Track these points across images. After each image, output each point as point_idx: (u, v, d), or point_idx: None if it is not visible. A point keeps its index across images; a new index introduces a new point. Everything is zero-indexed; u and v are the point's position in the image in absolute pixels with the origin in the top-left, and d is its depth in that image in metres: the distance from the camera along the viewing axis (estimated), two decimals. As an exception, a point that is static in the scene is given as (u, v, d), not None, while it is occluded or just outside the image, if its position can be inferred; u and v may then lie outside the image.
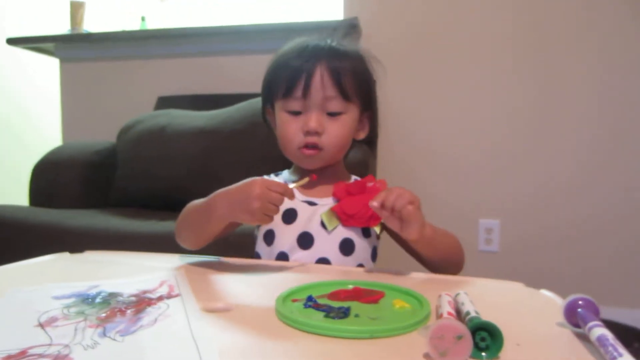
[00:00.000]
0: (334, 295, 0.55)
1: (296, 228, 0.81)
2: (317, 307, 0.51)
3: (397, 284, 0.58)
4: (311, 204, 0.82)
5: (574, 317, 0.46)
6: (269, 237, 0.82)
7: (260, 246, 0.85)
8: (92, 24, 2.45)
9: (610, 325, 0.42)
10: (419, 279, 0.67)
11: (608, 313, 1.48)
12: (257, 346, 0.42)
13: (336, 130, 0.79)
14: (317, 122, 0.78)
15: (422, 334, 0.44)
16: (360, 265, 0.79)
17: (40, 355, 0.39)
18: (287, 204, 0.81)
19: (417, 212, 0.67)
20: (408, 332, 0.45)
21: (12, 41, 2.30)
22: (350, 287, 0.58)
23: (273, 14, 2.45)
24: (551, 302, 0.57)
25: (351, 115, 0.81)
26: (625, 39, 1.81)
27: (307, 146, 0.79)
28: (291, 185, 0.71)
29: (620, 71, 1.82)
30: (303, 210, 0.82)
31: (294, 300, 0.53)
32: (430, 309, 0.49)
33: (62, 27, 2.41)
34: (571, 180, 1.88)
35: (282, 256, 0.80)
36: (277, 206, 0.68)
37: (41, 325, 0.46)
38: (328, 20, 1.92)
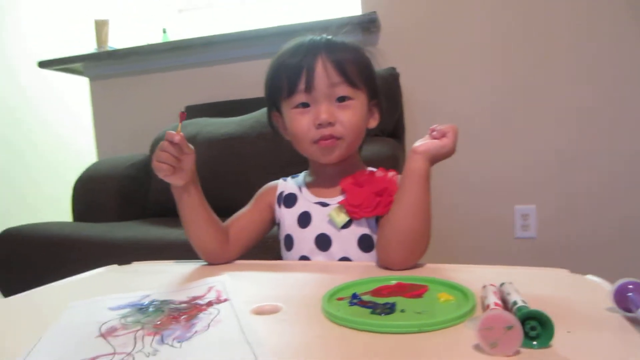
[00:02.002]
0: (377, 292, 0.56)
1: (312, 231, 0.81)
2: (363, 304, 0.52)
3: (438, 278, 0.58)
4: (324, 204, 0.82)
5: (624, 301, 0.45)
6: (288, 242, 0.84)
7: (283, 251, 0.87)
8: (116, 41, 2.52)
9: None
10: (458, 270, 0.67)
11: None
12: (308, 345, 0.44)
13: (349, 117, 0.78)
14: (327, 113, 0.76)
15: (469, 326, 0.45)
16: None
17: (107, 364, 0.42)
18: (300, 207, 0.84)
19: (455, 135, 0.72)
20: (455, 324, 0.45)
21: (43, 64, 2.39)
22: (393, 282, 0.58)
23: (292, 14, 2.46)
24: (598, 287, 0.56)
25: (360, 101, 0.80)
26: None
27: (324, 138, 0.78)
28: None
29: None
30: (316, 213, 0.82)
31: (339, 299, 0.54)
32: (475, 301, 0.49)
33: (88, 46, 2.49)
34: (609, 163, 1.82)
35: (304, 260, 0.82)
36: (166, 152, 0.72)
37: (103, 336, 0.49)
38: (347, 17, 1.92)
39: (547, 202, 1.90)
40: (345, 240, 0.79)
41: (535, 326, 0.40)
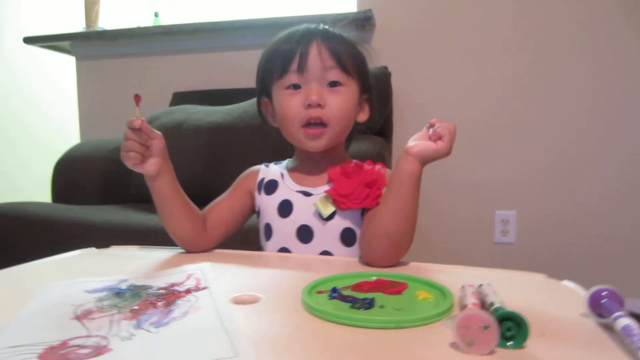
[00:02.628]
0: (357, 287, 0.56)
1: (294, 221, 0.80)
2: (342, 298, 0.52)
3: (417, 276, 0.59)
4: (306, 194, 0.80)
5: (598, 307, 0.46)
6: (268, 231, 0.83)
7: (262, 240, 0.86)
8: (106, 22, 2.47)
9: (634, 317, 0.42)
10: (438, 271, 0.68)
11: (629, 305, 1.47)
12: (286, 336, 0.44)
13: (338, 103, 0.77)
14: (318, 94, 0.76)
15: (446, 324, 0.45)
16: None
17: (80, 347, 0.41)
18: (281, 195, 0.82)
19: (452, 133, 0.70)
20: (433, 322, 0.46)
21: (29, 40, 2.33)
22: (374, 278, 0.59)
23: (287, 6, 2.44)
24: (574, 293, 0.57)
25: (352, 89, 0.79)
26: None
27: (311, 123, 0.77)
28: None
29: None
30: (298, 202, 0.80)
31: (319, 292, 0.54)
32: (453, 300, 0.50)
33: (77, 25, 2.44)
34: (589, 169, 1.86)
35: (284, 252, 0.81)
36: (131, 140, 0.71)
37: (77, 318, 0.48)
38: (342, 13, 1.91)
39: (528, 209, 1.93)
40: (328, 233, 0.78)
41: (511, 327, 0.40)
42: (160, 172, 0.75)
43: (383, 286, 0.56)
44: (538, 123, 1.90)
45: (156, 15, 2.57)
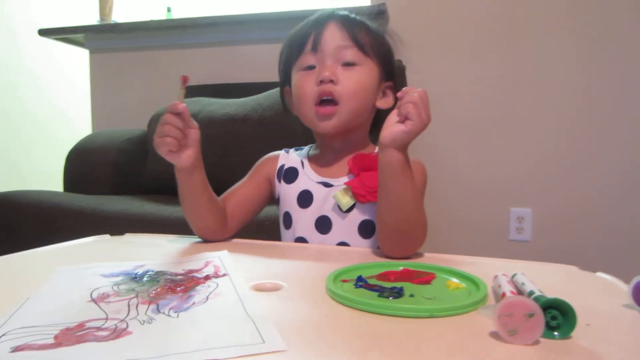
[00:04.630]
0: (383, 276, 0.54)
1: (313, 212, 0.78)
2: (369, 287, 0.50)
3: (446, 266, 0.56)
4: (327, 185, 0.78)
5: (644, 298, 0.43)
6: (287, 220, 0.80)
7: (281, 228, 0.83)
8: (120, 16, 2.47)
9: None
10: (462, 262, 0.65)
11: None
12: (314, 324, 0.41)
13: (352, 79, 0.74)
14: (330, 70, 0.74)
15: (484, 313, 0.43)
16: None
17: (99, 329, 0.39)
18: (301, 185, 0.80)
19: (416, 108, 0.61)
20: (468, 311, 0.43)
21: (43, 32, 2.33)
22: (400, 268, 0.56)
23: (300, 2, 2.42)
24: (611, 284, 0.55)
25: (369, 68, 0.76)
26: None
27: (323, 100, 0.74)
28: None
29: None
30: (318, 193, 0.78)
31: (344, 281, 0.52)
32: (487, 290, 0.47)
33: (91, 18, 2.44)
34: (604, 165, 1.82)
35: (301, 241, 0.78)
36: (170, 124, 0.66)
37: (94, 301, 0.46)
38: (356, 7, 1.89)
39: (544, 206, 1.89)
40: (346, 225, 0.76)
41: (557, 316, 0.37)
42: (193, 165, 0.71)
43: (410, 276, 0.54)
44: (552, 119, 1.86)
45: (169, 10, 2.57)
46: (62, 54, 2.86)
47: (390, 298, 0.46)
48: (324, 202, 0.77)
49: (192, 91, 2.02)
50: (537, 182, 1.90)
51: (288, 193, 0.81)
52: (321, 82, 0.74)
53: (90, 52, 2.43)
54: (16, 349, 0.35)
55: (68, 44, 2.46)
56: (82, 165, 1.59)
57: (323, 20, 0.77)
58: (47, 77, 3.01)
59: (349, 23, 0.76)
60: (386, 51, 0.80)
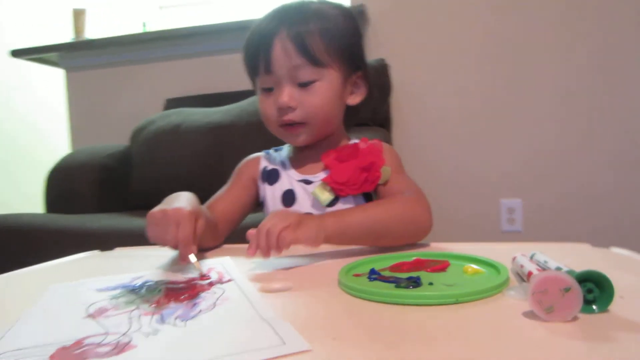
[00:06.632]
0: (396, 268, 0.51)
1: (297, 210, 0.75)
2: (384, 279, 0.47)
3: (459, 253, 0.54)
4: (307, 182, 0.77)
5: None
6: None
7: None
8: (94, 33, 2.42)
9: None
10: (471, 249, 0.63)
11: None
12: (334, 320, 0.38)
13: (312, 102, 0.71)
14: (287, 97, 0.70)
15: (509, 295, 0.40)
16: None
17: (99, 345, 0.35)
18: (284, 185, 0.78)
19: (295, 231, 0.56)
20: (493, 294, 0.41)
21: (16, 53, 2.27)
22: (412, 258, 0.54)
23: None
24: (629, 258, 0.53)
25: (329, 80, 0.72)
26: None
27: (285, 123, 0.73)
28: (192, 259, 0.57)
29: None
30: (301, 191, 0.77)
31: (356, 275, 0.49)
32: (508, 272, 0.45)
33: (64, 36, 2.38)
34: (592, 153, 1.83)
35: None
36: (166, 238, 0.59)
37: (91, 316, 0.42)
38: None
39: (533, 196, 1.90)
40: None
41: (592, 289, 0.35)
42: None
43: (423, 265, 0.52)
44: (541, 111, 1.86)
45: (144, 25, 2.52)
46: (34, 74, 2.79)
47: (410, 287, 0.43)
48: (306, 199, 0.76)
49: (173, 105, 1.98)
50: (526, 173, 1.90)
51: (272, 194, 0.79)
52: (279, 108, 0.72)
53: (67, 71, 2.37)
54: (9, 374, 0.32)
55: (42, 64, 2.40)
56: (64, 184, 1.53)
57: (269, 35, 0.70)
58: (21, 99, 2.92)
59: (298, 35, 0.69)
60: (348, 46, 0.74)
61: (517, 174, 1.91)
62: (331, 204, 0.73)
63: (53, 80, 2.64)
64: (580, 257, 0.56)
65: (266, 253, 0.56)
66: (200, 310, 0.42)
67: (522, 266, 0.44)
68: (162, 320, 0.40)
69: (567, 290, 0.33)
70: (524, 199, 1.91)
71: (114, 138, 2.03)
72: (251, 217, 0.91)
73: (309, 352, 0.31)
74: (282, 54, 0.70)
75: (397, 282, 0.45)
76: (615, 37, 1.79)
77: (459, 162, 1.93)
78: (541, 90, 1.85)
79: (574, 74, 1.83)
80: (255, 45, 0.72)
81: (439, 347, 0.32)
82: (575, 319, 0.34)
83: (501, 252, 0.51)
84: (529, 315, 0.35)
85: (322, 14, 0.73)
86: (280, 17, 0.72)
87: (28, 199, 2.25)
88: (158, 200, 0.65)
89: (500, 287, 0.41)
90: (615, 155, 1.81)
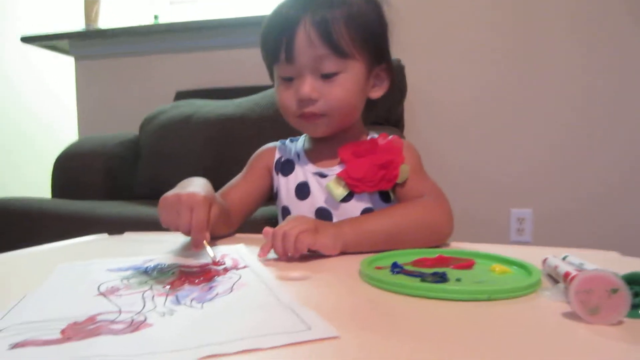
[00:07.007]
0: (419, 263, 0.49)
1: (311, 204, 0.73)
2: (408, 273, 0.45)
3: (485, 252, 0.52)
4: (322, 175, 0.74)
5: None
6: (286, 214, 0.76)
7: (280, 223, 0.78)
8: (106, 23, 2.41)
9: None
10: (493, 250, 0.61)
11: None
12: (361, 310, 0.36)
13: (335, 94, 0.68)
14: (309, 88, 0.67)
15: (545, 295, 0.38)
16: None
17: (112, 322, 0.33)
18: (298, 176, 0.76)
19: (312, 236, 0.54)
20: (527, 294, 0.39)
21: (26, 39, 2.26)
22: (435, 255, 0.52)
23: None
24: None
25: (353, 72, 0.69)
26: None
27: (305, 115, 0.70)
28: (205, 245, 0.55)
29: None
30: (315, 184, 0.74)
31: (377, 268, 0.47)
32: (540, 273, 0.43)
33: (76, 25, 2.37)
34: (607, 168, 1.80)
35: None
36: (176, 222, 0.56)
37: (103, 295, 0.40)
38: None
39: (544, 206, 1.87)
40: (347, 216, 0.70)
41: (639, 292, 0.33)
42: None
43: (447, 262, 0.49)
44: (552, 119, 1.84)
45: (156, 18, 2.51)
46: (44, 62, 2.78)
47: (437, 282, 0.41)
48: (321, 193, 0.73)
49: (183, 97, 1.97)
50: (537, 183, 1.87)
51: (286, 186, 0.77)
52: (300, 100, 0.68)
53: (76, 59, 2.36)
54: (16, 346, 0.30)
55: (52, 51, 2.39)
56: (71, 170, 1.51)
57: (292, 21, 0.66)
58: (29, 85, 2.92)
59: (323, 23, 0.65)
60: (374, 37, 0.71)
61: (528, 183, 1.88)
62: (345, 199, 0.71)
63: (62, 68, 2.63)
64: (610, 264, 0.54)
65: (282, 255, 0.54)
66: (217, 294, 0.40)
67: (556, 267, 0.42)
68: (178, 301, 0.38)
69: (615, 291, 0.31)
70: (535, 209, 1.88)
71: (122, 129, 2.01)
72: (262, 211, 0.89)
73: (337, 339, 0.29)
74: (306, 42, 0.66)
75: (423, 277, 0.43)
76: (629, 46, 1.77)
77: (470, 168, 1.90)
78: (553, 99, 1.83)
79: (586, 83, 1.80)
80: (277, 31, 0.68)
81: (474, 344, 0.30)
82: (619, 322, 0.32)
83: (525, 255, 0.49)
84: (569, 316, 0.33)
85: (348, 0, 0.69)
86: (304, 2, 0.68)
87: (34, 188, 2.24)
88: (165, 190, 0.62)
89: (534, 287, 0.39)
90: (627, 165, 1.79)
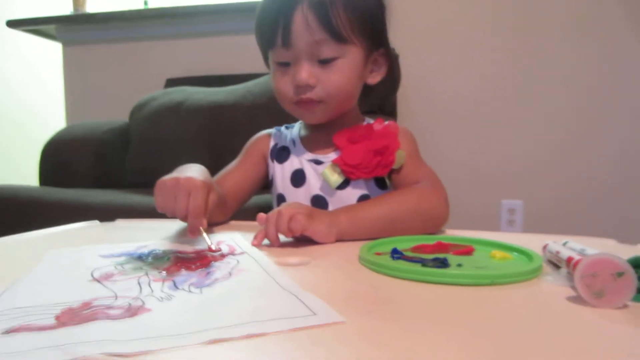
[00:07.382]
0: (419, 249, 0.49)
1: (307, 191, 0.73)
2: (408, 259, 0.45)
3: (484, 238, 0.52)
4: (317, 162, 0.73)
5: None
6: (281, 201, 0.75)
7: None
8: (94, 7, 2.36)
9: None
10: (489, 236, 0.61)
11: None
12: (365, 295, 0.36)
13: (333, 81, 0.67)
14: (307, 74, 0.65)
15: (548, 280, 0.38)
16: None
17: (109, 307, 0.33)
18: (293, 164, 0.75)
19: (307, 219, 0.53)
20: (530, 279, 0.38)
21: (12, 23, 2.21)
22: (434, 242, 0.51)
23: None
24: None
25: (351, 58, 0.67)
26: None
27: (302, 101, 0.68)
28: (202, 232, 0.54)
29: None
30: (311, 171, 0.73)
31: (377, 254, 0.47)
32: (541, 258, 0.43)
33: (64, 9, 2.32)
34: (594, 155, 1.82)
35: None
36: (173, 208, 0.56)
37: (97, 280, 0.39)
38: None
39: (535, 198, 1.88)
40: (343, 203, 0.68)
41: (644, 276, 0.33)
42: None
43: (446, 248, 0.49)
44: (544, 111, 1.85)
45: (145, 2, 2.47)
46: (32, 48, 2.72)
47: (438, 268, 0.41)
48: (317, 179, 0.73)
49: (174, 84, 1.94)
50: (528, 174, 1.88)
51: (281, 173, 0.76)
52: (297, 86, 0.67)
53: (64, 45, 2.31)
54: (10, 331, 0.29)
55: (38, 36, 2.34)
56: (59, 157, 1.49)
57: (290, 4, 0.64)
58: (16, 71, 2.86)
59: (321, 5, 0.64)
60: (372, 21, 0.69)
61: (519, 175, 1.89)
62: (341, 186, 0.70)
63: (49, 54, 2.58)
64: (609, 251, 0.54)
65: (275, 240, 0.53)
66: (216, 279, 0.39)
67: (558, 252, 0.42)
68: (175, 286, 0.37)
69: (620, 275, 0.31)
70: (525, 200, 1.90)
71: (111, 117, 1.98)
72: (256, 199, 0.88)
73: (342, 324, 0.29)
74: (304, 27, 0.64)
75: (423, 262, 0.43)
76: (623, 40, 1.77)
77: (462, 159, 1.91)
78: (546, 91, 1.84)
79: (578, 76, 1.81)
80: (274, 14, 0.66)
81: (480, 328, 0.29)
82: (625, 306, 0.32)
83: (522, 242, 0.49)
84: (574, 299, 0.33)
85: None
86: None
87: (22, 176, 2.20)
88: (157, 178, 0.61)
89: (537, 272, 0.39)
90: (618, 158, 1.80)
